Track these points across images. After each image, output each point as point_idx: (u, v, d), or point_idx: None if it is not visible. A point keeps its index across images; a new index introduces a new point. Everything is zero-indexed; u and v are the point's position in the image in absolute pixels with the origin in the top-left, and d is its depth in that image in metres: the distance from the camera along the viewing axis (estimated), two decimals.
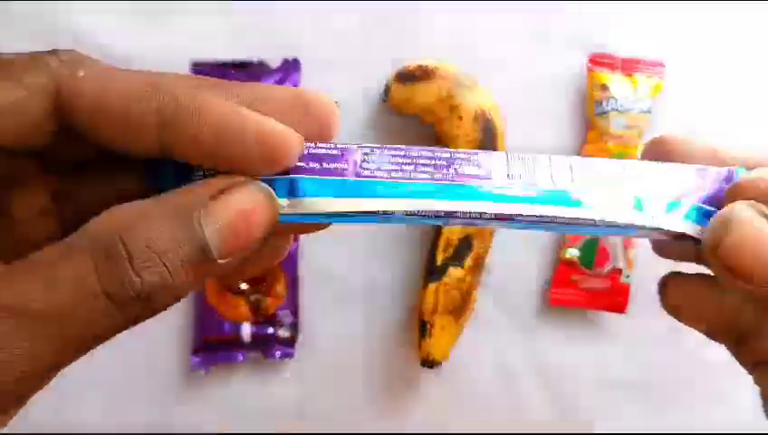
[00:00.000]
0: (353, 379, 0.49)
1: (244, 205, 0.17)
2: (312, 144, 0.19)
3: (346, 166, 0.19)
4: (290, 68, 0.47)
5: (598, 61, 0.49)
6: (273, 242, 0.20)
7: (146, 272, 0.15)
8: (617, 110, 0.48)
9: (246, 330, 0.47)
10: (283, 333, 0.48)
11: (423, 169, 0.20)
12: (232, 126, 0.16)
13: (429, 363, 0.46)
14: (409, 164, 0.20)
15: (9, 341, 0.15)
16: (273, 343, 0.48)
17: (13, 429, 0.48)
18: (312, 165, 0.19)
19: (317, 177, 0.19)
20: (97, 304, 0.15)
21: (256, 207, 0.17)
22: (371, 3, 0.48)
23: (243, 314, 0.47)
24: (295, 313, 0.48)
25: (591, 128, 0.49)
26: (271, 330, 0.48)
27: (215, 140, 0.16)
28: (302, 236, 0.48)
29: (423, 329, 0.46)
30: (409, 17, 0.49)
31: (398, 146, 0.20)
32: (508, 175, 0.20)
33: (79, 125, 0.17)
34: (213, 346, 0.47)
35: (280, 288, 0.48)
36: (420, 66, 0.46)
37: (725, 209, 0.19)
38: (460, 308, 0.46)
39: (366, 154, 0.20)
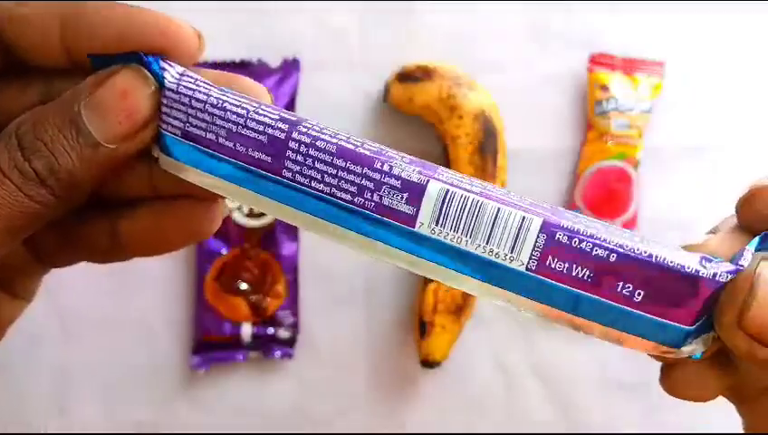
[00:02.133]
0: (353, 379, 0.49)
1: (117, 85, 0.18)
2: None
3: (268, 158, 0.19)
4: (290, 68, 0.47)
5: (598, 61, 0.49)
6: (197, 210, 0.21)
7: (33, 157, 0.17)
8: (617, 110, 0.48)
9: (246, 330, 0.47)
10: (283, 333, 0.48)
11: (347, 184, 0.18)
12: (133, 20, 0.18)
13: (429, 363, 0.46)
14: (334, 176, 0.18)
15: None
16: (273, 343, 0.48)
17: (12, 428, 0.49)
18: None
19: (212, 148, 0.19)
20: (3, 186, 0.17)
21: (129, 87, 0.18)
22: (371, 3, 0.48)
23: (243, 314, 0.47)
24: (295, 313, 0.48)
25: (591, 128, 0.49)
26: (271, 330, 0.48)
27: (117, 36, 0.18)
28: (303, 237, 0.48)
29: (423, 329, 0.46)
30: (409, 17, 0.49)
31: (340, 144, 0.18)
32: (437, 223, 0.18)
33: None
34: (213, 346, 0.47)
35: (280, 288, 0.48)
36: (420, 66, 0.46)
37: (747, 270, 0.16)
38: (460, 308, 0.46)
39: (298, 146, 0.18)
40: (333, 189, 0.18)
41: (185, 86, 0.19)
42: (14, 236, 0.18)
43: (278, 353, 0.47)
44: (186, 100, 0.19)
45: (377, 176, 0.18)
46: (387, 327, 0.49)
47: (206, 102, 0.19)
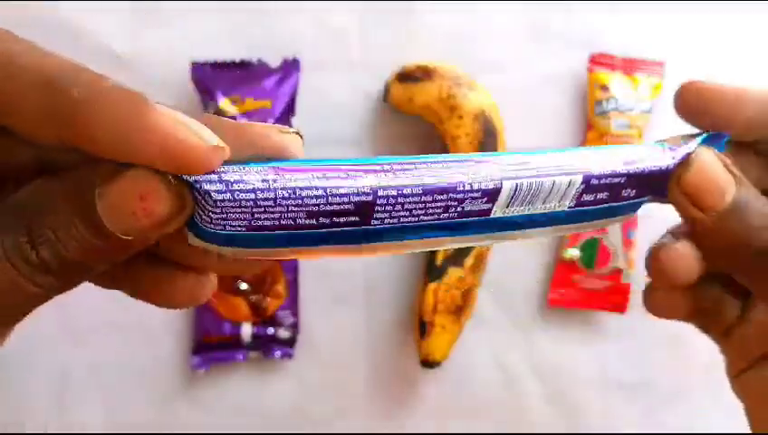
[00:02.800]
0: (353, 379, 0.49)
1: (136, 187, 0.17)
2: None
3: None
4: (290, 68, 0.47)
5: (598, 61, 0.49)
6: (194, 279, 0.22)
7: (41, 247, 0.16)
8: (617, 110, 0.48)
9: (246, 330, 0.47)
10: (283, 333, 0.48)
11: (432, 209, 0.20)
12: (132, 133, 0.16)
13: (429, 363, 0.46)
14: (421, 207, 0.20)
15: None
16: (273, 343, 0.48)
17: (12, 428, 0.48)
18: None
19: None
20: (4, 272, 0.16)
21: (150, 192, 0.17)
22: (371, 3, 0.48)
23: (243, 314, 0.47)
24: (295, 313, 0.48)
25: (591, 128, 0.49)
26: (271, 330, 0.48)
27: (111, 146, 0.16)
28: None
29: (423, 329, 0.46)
30: (409, 17, 0.49)
31: (424, 183, 0.19)
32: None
33: None
34: (213, 346, 0.47)
35: (280, 288, 0.48)
36: (420, 66, 0.46)
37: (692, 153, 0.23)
38: (460, 308, 0.46)
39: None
40: (420, 217, 0.20)
41: (239, 190, 0.18)
42: (14, 318, 0.17)
43: (278, 353, 0.47)
44: (248, 202, 0.18)
45: (460, 196, 0.20)
46: (387, 327, 0.49)
47: (275, 199, 0.18)
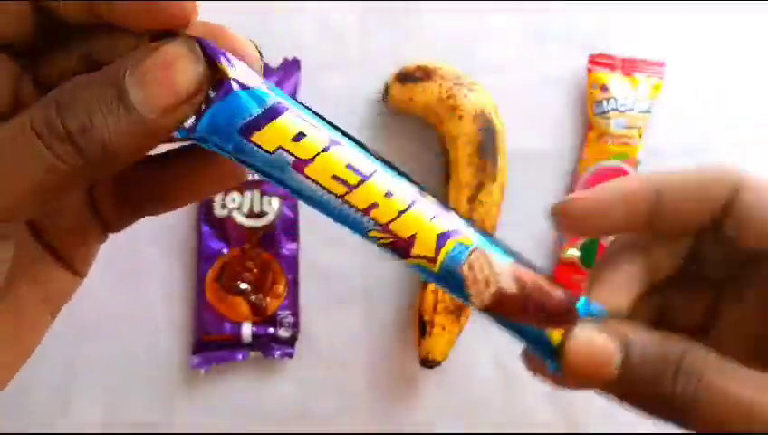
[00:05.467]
0: (353, 379, 0.49)
1: (163, 56, 0.18)
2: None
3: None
4: (290, 68, 0.47)
5: (598, 61, 0.49)
6: (224, 166, 0.21)
7: (68, 116, 0.17)
8: (617, 110, 0.48)
9: (246, 330, 0.47)
10: (283, 333, 0.48)
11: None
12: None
13: (429, 363, 0.46)
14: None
15: None
16: (273, 343, 0.48)
17: (13, 428, 0.49)
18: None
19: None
20: (27, 139, 0.17)
21: (177, 59, 0.18)
22: (371, 3, 0.48)
23: (243, 314, 0.47)
24: (295, 313, 0.48)
25: (591, 128, 0.49)
26: (271, 330, 0.48)
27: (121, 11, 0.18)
28: (303, 237, 0.48)
29: (423, 329, 0.46)
30: (409, 17, 0.49)
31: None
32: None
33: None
34: (213, 346, 0.47)
35: (280, 288, 0.48)
36: (420, 66, 0.46)
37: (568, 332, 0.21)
38: (460, 308, 0.46)
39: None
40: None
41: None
42: (40, 199, 0.17)
43: (278, 353, 0.47)
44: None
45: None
46: (387, 327, 0.49)
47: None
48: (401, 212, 0.19)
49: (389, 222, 0.19)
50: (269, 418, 0.48)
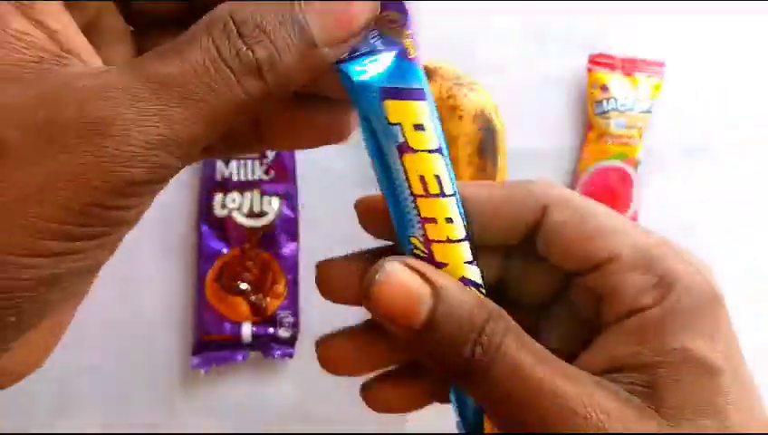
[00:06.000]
0: (353, 379, 0.49)
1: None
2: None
3: None
4: None
5: (598, 61, 0.49)
6: (336, 116, 0.22)
7: (256, 46, 0.17)
8: (617, 110, 0.48)
9: (246, 330, 0.47)
10: (283, 333, 0.48)
11: None
12: None
13: None
14: None
15: (148, 107, 0.16)
16: (273, 342, 0.48)
17: (13, 429, 0.48)
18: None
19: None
20: (219, 72, 0.16)
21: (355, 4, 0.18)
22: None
23: (243, 314, 0.47)
24: (295, 313, 0.48)
25: (591, 128, 0.49)
26: (271, 330, 0.48)
27: None
28: (303, 237, 0.48)
29: None
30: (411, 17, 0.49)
31: None
32: None
33: None
34: (213, 346, 0.47)
35: (280, 288, 0.48)
36: None
37: (378, 262, 0.20)
38: None
39: None
40: None
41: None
42: (217, 127, 0.17)
43: (278, 353, 0.47)
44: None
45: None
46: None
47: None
48: (449, 240, 0.20)
49: (435, 241, 0.20)
50: (269, 418, 0.48)
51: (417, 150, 0.19)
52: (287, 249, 0.48)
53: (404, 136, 0.19)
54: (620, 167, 0.48)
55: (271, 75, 0.17)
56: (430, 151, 0.19)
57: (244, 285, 0.47)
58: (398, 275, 0.20)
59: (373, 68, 0.19)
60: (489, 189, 0.22)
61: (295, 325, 0.48)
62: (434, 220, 0.20)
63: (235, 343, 0.47)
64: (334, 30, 0.18)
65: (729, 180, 0.50)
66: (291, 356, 0.48)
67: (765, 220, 0.50)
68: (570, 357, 0.20)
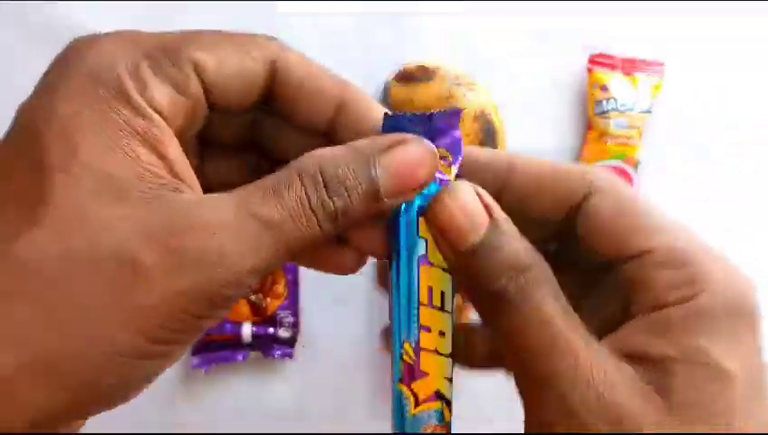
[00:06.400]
0: (353, 379, 0.49)
1: (412, 156, 0.20)
2: None
3: None
4: None
5: (598, 61, 0.49)
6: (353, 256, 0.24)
7: (336, 197, 0.20)
8: (617, 110, 0.48)
9: (246, 330, 0.47)
10: (283, 333, 0.48)
11: None
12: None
13: None
14: None
15: (249, 241, 0.19)
16: (273, 343, 0.48)
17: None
18: None
19: None
20: (307, 218, 0.19)
21: (421, 160, 0.21)
22: (371, 3, 0.48)
23: (243, 314, 0.47)
24: (295, 313, 0.48)
25: (591, 128, 0.49)
26: (271, 330, 0.48)
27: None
28: None
29: None
30: (409, 17, 0.49)
31: None
32: None
33: (281, 96, 0.22)
34: (213, 346, 0.47)
35: (280, 288, 0.48)
36: (420, 66, 0.46)
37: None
38: (460, 309, 0.46)
39: None
40: None
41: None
42: (287, 260, 0.20)
43: (278, 353, 0.47)
44: None
45: None
46: None
47: None
48: (437, 351, 0.22)
49: (424, 349, 0.22)
50: (269, 418, 0.48)
51: (434, 265, 0.22)
52: None
53: (426, 251, 0.22)
54: (620, 167, 0.48)
55: (343, 220, 0.20)
56: (443, 269, 0.22)
57: None
58: (465, 195, 0.21)
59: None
60: (539, 165, 0.23)
61: (295, 325, 0.48)
62: (429, 329, 0.22)
63: (235, 343, 0.47)
64: (399, 187, 0.20)
65: (729, 180, 0.50)
66: (291, 356, 0.48)
67: (765, 220, 0.50)
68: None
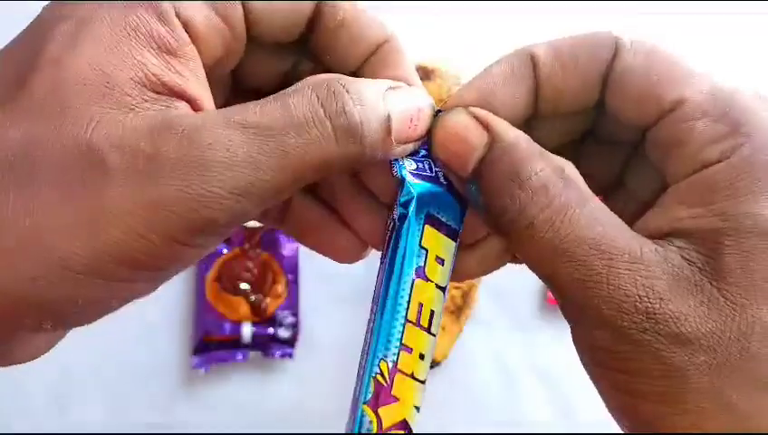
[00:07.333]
0: (353, 379, 0.49)
1: (418, 102, 0.20)
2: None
3: None
4: None
5: None
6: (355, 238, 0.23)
7: (360, 108, 0.18)
8: None
9: (246, 330, 0.47)
10: (283, 333, 0.48)
11: None
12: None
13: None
14: None
15: (240, 151, 0.16)
16: (273, 342, 0.48)
17: (14, 428, 0.48)
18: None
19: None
20: (320, 126, 0.17)
21: (424, 109, 0.20)
22: (371, 3, 0.48)
23: (243, 314, 0.47)
24: (295, 313, 0.48)
25: None
26: (271, 330, 0.48)
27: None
28: None
29: None
30: (409, 18, 0.49)
31: None
32: None
33: (321, 35, 0.21)
34: (213, 346, 0.47)
35: (280, 288, 0.48)
36: (420, 66, 0.46)
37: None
38: (460, 308, 0.46)
39: None
40: None
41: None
42: (300, 183, 0.18)
43: (278, 353, 0.47)
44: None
45: None
46: None
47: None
48: (413, 376, 0.21)
49: (400, 371, 0.21)
50: (269, 418, 0.48)
51: (430, 281, 0.20)
52: (287, 249, 0.48)
53: (425, 266, 0.20)
54: None
55: (368, 142, 0.18)
56: (438, 286, 0.20)
57: (244, 286, 0.48)
58: (455, 119, 0.20)
59: (437, 194, 0.20)
60: (555, 45, 0.21)
61: (295, 325, 0.48)
62: (410, 350, 0.21)
63: (235, 343, 0.47)
64: (405, 127, 0.19)
65: None
66: (291, 356, 0.48)
67: None
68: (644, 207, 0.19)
